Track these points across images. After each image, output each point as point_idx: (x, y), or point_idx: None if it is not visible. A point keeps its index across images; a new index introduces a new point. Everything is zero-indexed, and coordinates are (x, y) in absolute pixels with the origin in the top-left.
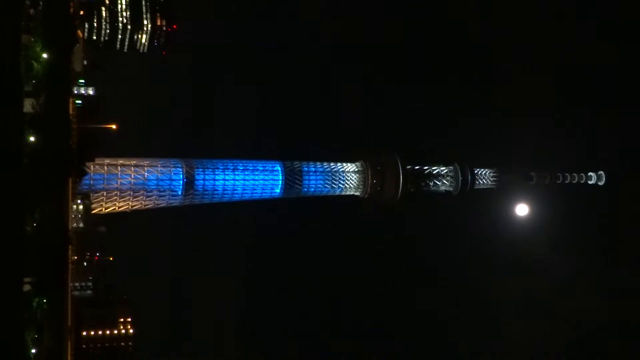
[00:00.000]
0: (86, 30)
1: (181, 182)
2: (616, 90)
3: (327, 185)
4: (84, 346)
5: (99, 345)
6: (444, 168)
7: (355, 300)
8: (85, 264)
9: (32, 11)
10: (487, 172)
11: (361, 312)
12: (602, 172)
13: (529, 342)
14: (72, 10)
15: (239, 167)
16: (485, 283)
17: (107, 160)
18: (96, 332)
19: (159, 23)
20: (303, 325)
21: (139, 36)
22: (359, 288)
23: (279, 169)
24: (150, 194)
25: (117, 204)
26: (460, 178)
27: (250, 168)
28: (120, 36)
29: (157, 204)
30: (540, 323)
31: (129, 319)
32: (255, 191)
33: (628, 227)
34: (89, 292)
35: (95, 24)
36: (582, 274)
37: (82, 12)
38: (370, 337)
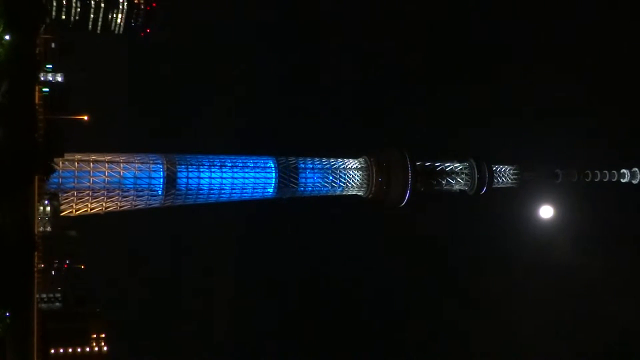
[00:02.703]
0: (54, 8)
1: (161, 180)
2: None
3: (326, 184)
4: None
5: None
6: (458, 164)
7: (363, 304)
8: (53, 272)
9: None
10: (506, 169)
11: (370, 316)
12: (636, 170)
13: (553, 349)
14: None
15: (226, 163)
16: (505, 289)
17: (78, 156)
18: (66, 350)
19: (136, 1)
20: (299, 335)
21: (114, 15)
22: (367, 292)
23: (272, 165)
24: (126, 193)
25: (89, 205)
26: (476, 176)
27: (240, 165)
28: (92, 15)
29: (135, 205)
30: (564, 329)
31: (103, 335)
32: (245, 191)
33: None
34: (57, 304)
35: (64, 2)
36: (613, 279)
37: None
38: (381, 343)
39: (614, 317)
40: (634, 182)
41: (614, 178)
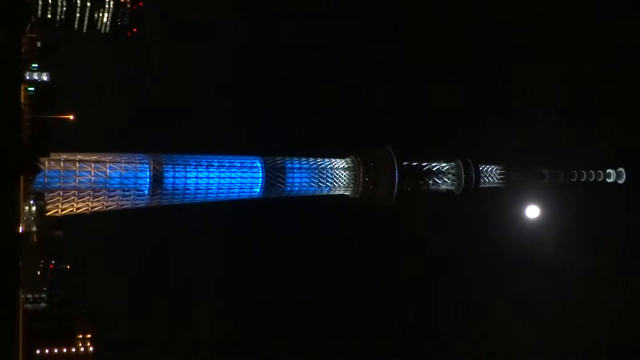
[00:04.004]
0: (40, 7)
1: (148, 180)
2: (637, 82)
3: (313, 184)
4: None
5: None
6: (445, 164)
7: (349, 305)
8: (38, 273)
9: None
10: (493, 169)
11: (360, 315)
12: (622, 169)
13: (539, 347)
14: None
15: (213, 163)
16: (491, 289)
17: (63, 156)
18: (51, 350)
19: (122, 0)
20: (288, 334)
21: (100, 14)
22: (353, 291)
23: (259, 165)
24: (112, 193)
25: (75, 205)
26: (463, 176)
27: (227, 164)
28: (78, 14)
29: (121, 205)
30: (551, 328)
31: (89, 335)
32: (232, 190)
33: None
34: (43, 304)
35: (50, 1)
36: (599, 277)
37: None
38: (371, 342)
39: (600, 315)
40: (620, 182)
41: (600, 178)
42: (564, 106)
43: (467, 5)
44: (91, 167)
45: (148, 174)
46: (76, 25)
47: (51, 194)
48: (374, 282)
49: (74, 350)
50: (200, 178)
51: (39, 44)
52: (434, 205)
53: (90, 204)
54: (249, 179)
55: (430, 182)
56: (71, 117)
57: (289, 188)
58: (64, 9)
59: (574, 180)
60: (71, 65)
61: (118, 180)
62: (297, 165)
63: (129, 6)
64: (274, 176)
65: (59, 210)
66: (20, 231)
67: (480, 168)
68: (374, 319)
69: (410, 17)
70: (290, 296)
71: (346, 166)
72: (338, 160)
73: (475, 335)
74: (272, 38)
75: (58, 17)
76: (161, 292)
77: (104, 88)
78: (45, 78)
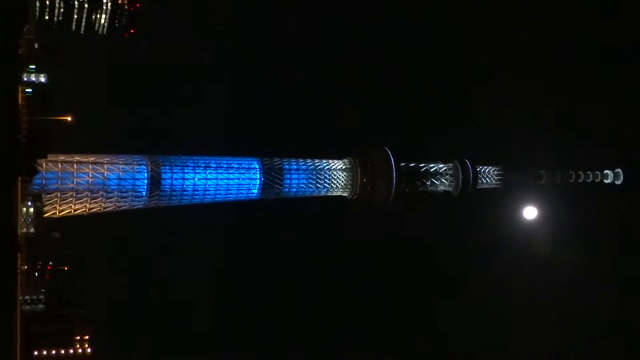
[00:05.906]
0: (38, 9)
1: (146, 181)
2: (635, 84)
3: (310, 185)
4: None
5: None
6: (442, 165)
7: (346, 304)
8: (36, 274)
9: None
10: (490, 170)
11: (351, 316)
12: (619, 170)
13: (534, 345)
14: None
15: (211, 164)
16: (490, 290)
17: (61, 157)
18: (49, 352)
19: (120, 1)
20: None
21: (98, 16)
22: (349, 291)
23: (257, 166)
24: (110, 194)
25: (72, 206)
26: (460, 177)
27: (224, 166)
28: (76, 16)
29: (119, 206)
30: (549, 328)
31: (87, 337)
32: (230, 192)
33: None
34: (40, 306)
35: (47, 2)
36: (597, 278)
37: None
38: (360, 343)
39: (599, 315)
40: (617, 182)
41: (597, 179)
42: (561, 107)
43: (466, 5)
44: (89, 168)
45: (146, 175)
46: (74, 27)
47: (49, 196)
48: (373, 282)
49: (71, 351)
50: (198, 179)
51: (36, 46)
52: (432, 206)
53: (88, 206)
54: (247, 180)
55: (428, 183)
56: (69, 118)
57: (286, 189)
58: (62, 10)
59: (571, 181)
60: (69, 67)
61: (116, 181)
62: (295, 167)
63: (126, 8)
64: (271, 177)
65: (57, 212)
66: (18, 233)
67: (478, 169)
68: (373, 319)
69: (407, 16)
70: (289, 296)
71: (344, 167)
72: (336, 161)
73: (475, 334)
74: (271, 38)
75: (56, 18)
76: (159, 293)
77: (102, 89)
78: (42, 79)
